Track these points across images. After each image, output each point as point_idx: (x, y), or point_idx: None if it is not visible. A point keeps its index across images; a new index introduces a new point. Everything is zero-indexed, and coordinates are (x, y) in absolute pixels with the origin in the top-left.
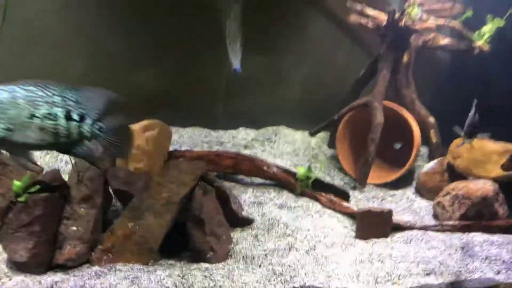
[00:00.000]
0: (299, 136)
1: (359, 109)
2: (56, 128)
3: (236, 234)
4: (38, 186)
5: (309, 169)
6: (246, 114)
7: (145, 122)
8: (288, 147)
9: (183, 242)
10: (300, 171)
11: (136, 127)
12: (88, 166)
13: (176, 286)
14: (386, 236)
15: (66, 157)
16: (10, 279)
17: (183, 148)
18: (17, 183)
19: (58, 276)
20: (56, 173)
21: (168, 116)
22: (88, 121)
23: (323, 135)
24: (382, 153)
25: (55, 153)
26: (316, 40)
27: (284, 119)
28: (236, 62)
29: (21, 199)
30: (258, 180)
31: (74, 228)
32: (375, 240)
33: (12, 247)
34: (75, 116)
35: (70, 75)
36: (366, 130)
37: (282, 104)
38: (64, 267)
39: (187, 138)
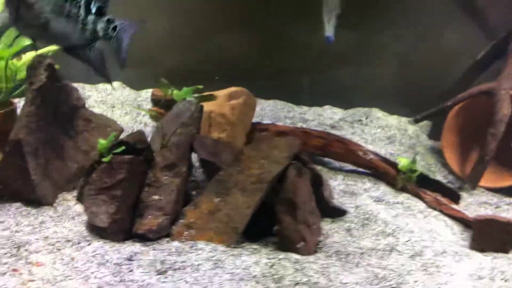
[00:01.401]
0: (394, 122)
1: (478, 97)
2: (78, 17)
3: (326, 225)
4: (123, 147)
5: (414, 161)
6: (333, 91)
7: (231, 89)
8: (381, 132)
9: (266, 225)
10: (403, 162)
11: (221, 93)
12: (174, 131)
13: (264, 276)
14: (506, 251)
15: (145, 118)
16: (89, 244)
17: (264, 122)
18: (102, 141)
19: (137, 247)
20: (141, 134)
21: (249, 86)
22: (104, 18)
23: (422, 123)
24: (498, 152)
25: (133, 113)
26: (422, 12)
27: (376, 101)
28: (329, 30)
29: (105, 159)
30: (348, 166)
31: (156, 197)
32: (494, 254)
33: (93, 210)
34: (93, 9)
35: (151, 33)
36: (482, 123)
37: (375, 84)
38: (143, 238)
39: (269, 111)
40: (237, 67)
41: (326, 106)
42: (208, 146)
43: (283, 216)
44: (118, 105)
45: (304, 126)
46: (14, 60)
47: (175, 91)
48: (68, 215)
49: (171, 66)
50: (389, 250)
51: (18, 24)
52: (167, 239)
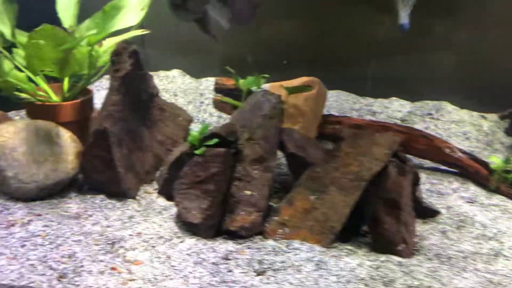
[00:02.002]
0: (466, 116)
1: None
2: None
3: (418, 226)
4: (216, 139)
5: (508, 160)
6: (398, 83)
7: (303, 79)
8: (456, 128)
9: (352, 225)
10: (496, 161)
11: (293, 83)
12: (260, 123)
13: (373, 279)
14: None
15: (209, 108)
16: (182, 242)
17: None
18: (194, 133)
19: (230, 245)
20: (232, 126)
21: (310, 75)
22: None
23: (496, 118)
24: None
25: (197, 102)
26: None
27: (446, 94)
28: (404, 18)
29: (198, 152)
30: (428, 163)
31: (248, 192)
32: None
33: (185, 205)
34: None
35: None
36: None
37: (445, 76)
38: (234, 235)
39: (333, 102)
40: (298, 56)
41: (393, 98)
42: (296, 140)
43: (384, 216)
44: (181, 93)
45: (373, 119)
46: (96, 46)
47: (240, 80)
48: (154, 209)
49: (229, 54)
50: (494, 254)
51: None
52: (259, 237)
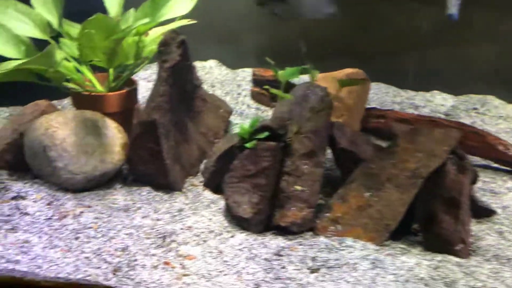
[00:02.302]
0: None
1: None
2: None
3: (472, 226)
4: (267, 133)
5: None
6: (440, 75)
7: (347, 71)
8: (504, 123)
9: (404, 223)
10: None
11: (337, 75)
12: (308, 116)
13: (433, 279)
14: None
15: (247, 99)
16: (232, 236)
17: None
18: (245, 126)
19: (280, 241)
20: (282, 119)
21: (348, 66)
22: None
23: None
24: None
25: (234, 93)
26: None
27: (491, 88)
28: (454, 7)
29: (249, 145)
30: (477, 160)
31: (299, 187)
32: None
33: (236, 199)
34: None
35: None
36: None
37: (490, 69)
38: (284, 231)
39: (373, 95)
40: (336, 46)
41: (435, 91)
42: (347, 135)
43: (442, 215)
44: (218, 84)
45: (416, 113)
46: (142, 36)
47: (279, 72)
48: (201, 203)
49: (265, 44)
50: None
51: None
52: (310, 233)
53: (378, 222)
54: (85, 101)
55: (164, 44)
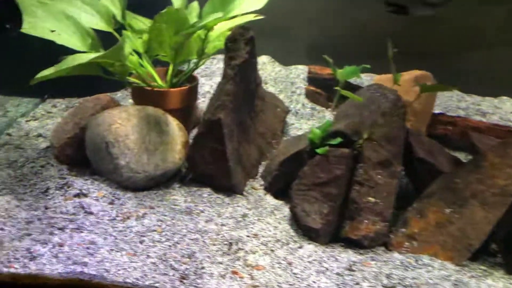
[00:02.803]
0: None
1: None
2: None
3: None
4: (340, 139)
5: None
6: (508, 80)
7: (414, 73)
8: None
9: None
10: None
11: (405, 77)
12: (379, 121)
13: None
14: None
15: (301, 98)
16: (300, 247)
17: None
18: (316, 131)
19: (351, 255)
20: (356, 124)
21: (405, 67)
22: None
23: None
24: None
25: (288, 91)
26: None
27: None
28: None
29: (320, 151)
30: None
31: (372, 199)
32: None
33: (305, 207)
34: None
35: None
36: None
37: None
38: (354, 244)
39: (436, 99)
40: (399, 47)
41: (504, 98)
42: (424, 144)
43: None
44: (271, 81)
45: (484, 120)
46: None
47: (339, 70)
48: (264, 208)
49: (318, 41)
50: None
51: None
52: (382, 248)
53: (459, 241)
54: (146, 96)
55: (232, 40)
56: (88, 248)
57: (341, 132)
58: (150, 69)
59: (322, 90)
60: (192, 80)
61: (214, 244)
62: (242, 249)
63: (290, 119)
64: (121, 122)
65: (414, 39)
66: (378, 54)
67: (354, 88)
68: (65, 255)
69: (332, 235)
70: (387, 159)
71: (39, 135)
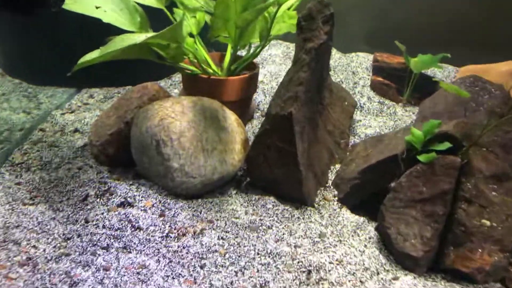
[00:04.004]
0: None
1: None
2: None
3: None
4: (448, 144)
5: None
6: None
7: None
8: None
9: None
10: None
11: (500, 68)
12: (485, 123)
13: None
14: None
15: (366, 90)
16: (395, 279)
17: None
18: (417, 132)
19: None
20: (466, 125)
21: (482, 56)
22: None
23: None
24: None
25: (349, 82)
26: None
27: None
28: None
29: (424, 158)
30: None
31: (487, 221)
32: None
33: (401, 229)
34: None
35: None
36: None
37: None
38: (458, 276)
39: None
40: (468, 32)
41: None
42: None
43: None
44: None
45: None
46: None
47: (413, 59)
48: (344, 226)
49: (381, 26)
50: None
51: None
52: (498, 285)
53: None
54: (201, 85)
55: (308, 18)
56: (138, 273)
57: (450, 135)
58: (204, 53)
59: (391, 82)
60: (251, 68)
61: (289, 271)
62: (325, 279)
63: (355, 114)
64: (175, 117)
65: (495, 28)
66: (453, 42)
67: (428, 80)
68: (112, 282)
69: (431, 262)
70: (503, 172)
71: (76, 130)
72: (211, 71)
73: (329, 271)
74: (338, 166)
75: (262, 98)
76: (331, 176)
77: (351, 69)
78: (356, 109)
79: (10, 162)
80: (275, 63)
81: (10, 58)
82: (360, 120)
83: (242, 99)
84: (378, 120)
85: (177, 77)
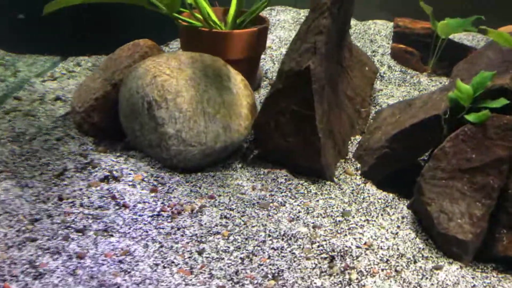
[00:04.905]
0: None
1: None
2: None
3: None
4: (505, 100)
5: None
6: None
7: None
8: None
9: None
10: None
11: None
12: None
13: None
14: None
15: (386, 59)
16: (437, 268)
17: None
18: (465, 87)
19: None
20: None
21: None
22: None
23: None
24: None
25: (367, 50)
26: None
27: None
28: None
29: (473, 118)
30: None
31: None
32: None
33: (444, 206)
34: None
35: None
36: None
37: None
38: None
39: None
40: None
41: None
42: None
43: None
44: None
45: None
46: None
47: (440, 23)
48: (371, 204)
49: None
50: None
51: None
52: None
53: None
54: (201, 39)
55: None
56: (121, 261)
57: (507, 89)
58: (204, 4)
59: (414, 49)
60: (260, 23)
61: (307, 258)
62: (353, 267)
63: (375, 83)
64: (171, 73)
65: None
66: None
67: (458, 47)
68: (86, 273)
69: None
70: None
71: (57, 98)
72: (214, 24)
73: (357, 257)
74: (358, 137)
75: (270, 66)
76: (351, 148)
77: (368, 36)
78: (375, 78)
79: None
80: (284, 28)
81: None
82: (382, 90)
83: (249, 58)
84: (401, 90)
85: (175, 44)
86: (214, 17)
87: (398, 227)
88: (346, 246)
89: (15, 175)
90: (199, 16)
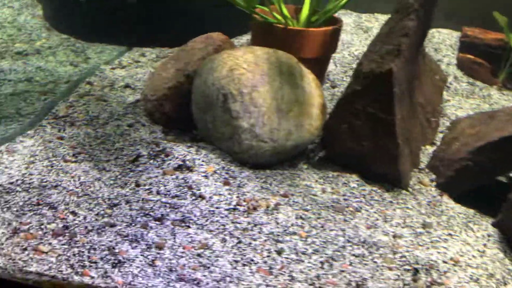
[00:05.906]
0: None
1: None
2: None
3: None
4: None
5: None
6: None
7: None
8: None
9: None
10: None
11: None
12: None
13: None
14: None
15: (452, 69)
16: None
17: None
18: None
19: None
20: None
21: None
22: None
23: None
24: None
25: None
26: None
27: None
28: None
29: None
30: None
31: None
32: None
33: None
34: None
35: None
36: None
37: None
38: None
39: None
40: None
41: None
42: None
43: None
44: None
45: None
46: None
47: None
48: (451, 218)
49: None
50: None
51: None
52: None
53: None
54: (275, 36)
55: None
56: (199, 255)
57: None
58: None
59: (484, 61)
60: (333, 23)
61: (390, 268)
62: (440, 283)
63: (450, 96)
64: (247, 67)
65: None
66: None
67: None
68: (165, 265)
69: None
70: None
71: (127, 86)
72: (289, 22)
73: (445, 273)
74: (428, 147)
75: (332, 68)
76: (422, 158)
77: (432, 45)
78: (444, 88)
79: (53, 115)
80: (346, 31)
81: (58, 12)
82: (449, 100)
83: (321, 58)
84: (470, 102)
85: (246, 38)
86: (286, 13)
87: (485, 245)
88: (431, 260)
89: (92, 158)
90: (274, 13)
